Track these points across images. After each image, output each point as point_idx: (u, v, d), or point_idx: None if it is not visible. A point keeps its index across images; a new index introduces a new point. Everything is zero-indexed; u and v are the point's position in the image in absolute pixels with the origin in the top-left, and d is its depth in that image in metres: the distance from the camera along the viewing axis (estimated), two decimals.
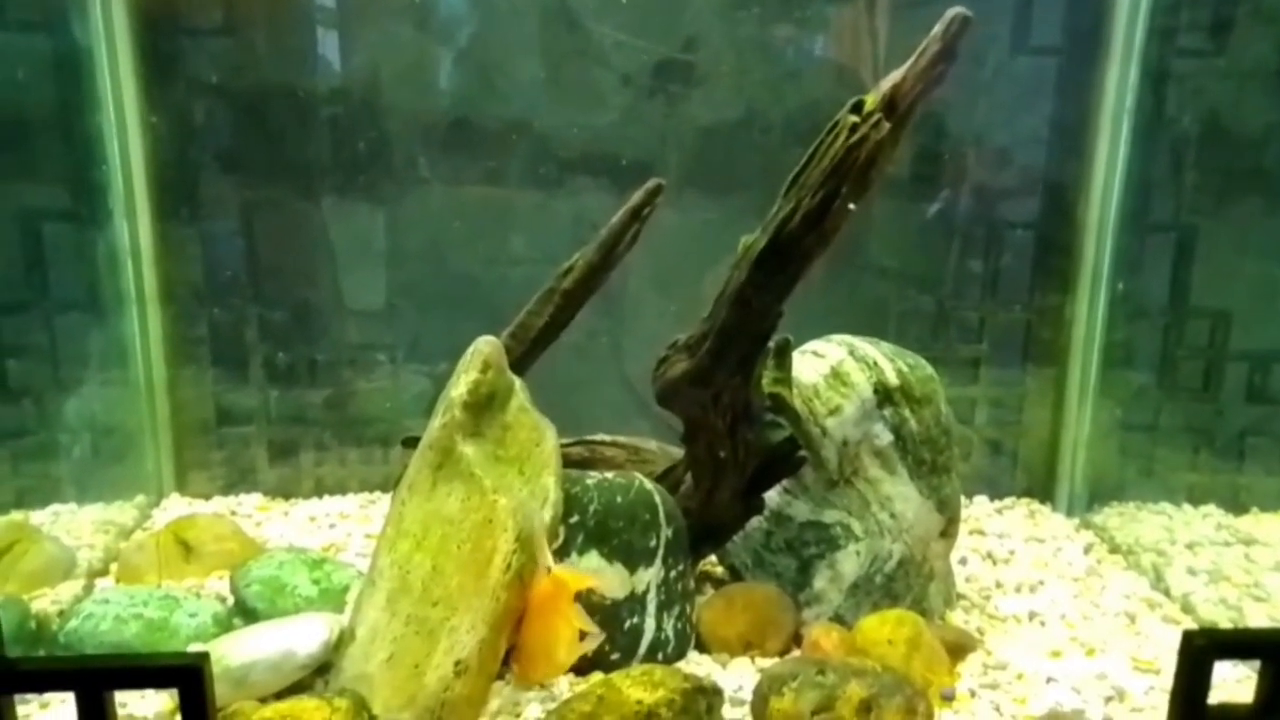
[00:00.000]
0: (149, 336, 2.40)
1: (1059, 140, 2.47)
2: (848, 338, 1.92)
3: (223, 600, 1.85)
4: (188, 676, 0.98)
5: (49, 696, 1.57)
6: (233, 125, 2.39)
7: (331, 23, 2.40)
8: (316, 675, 1.57)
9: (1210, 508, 2.43)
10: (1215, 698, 1.09)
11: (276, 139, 2.39)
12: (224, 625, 1.73)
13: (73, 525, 2.11)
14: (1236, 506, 2.42)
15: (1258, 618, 1.93)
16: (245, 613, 1.79)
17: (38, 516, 2.09)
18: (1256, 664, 1.09)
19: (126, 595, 1.75)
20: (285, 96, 2.36)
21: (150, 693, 1.57)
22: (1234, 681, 1.66)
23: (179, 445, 2.49)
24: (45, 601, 1.85)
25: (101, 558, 2.08)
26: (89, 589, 1.94)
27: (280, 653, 1.54)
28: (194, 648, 1.64)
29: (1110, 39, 2.35)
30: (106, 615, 1.69)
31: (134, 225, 2.33)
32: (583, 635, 1.48)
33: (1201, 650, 1.04)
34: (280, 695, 1.51)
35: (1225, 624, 1.92)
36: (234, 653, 1.54)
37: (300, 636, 1.56)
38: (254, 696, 1.51)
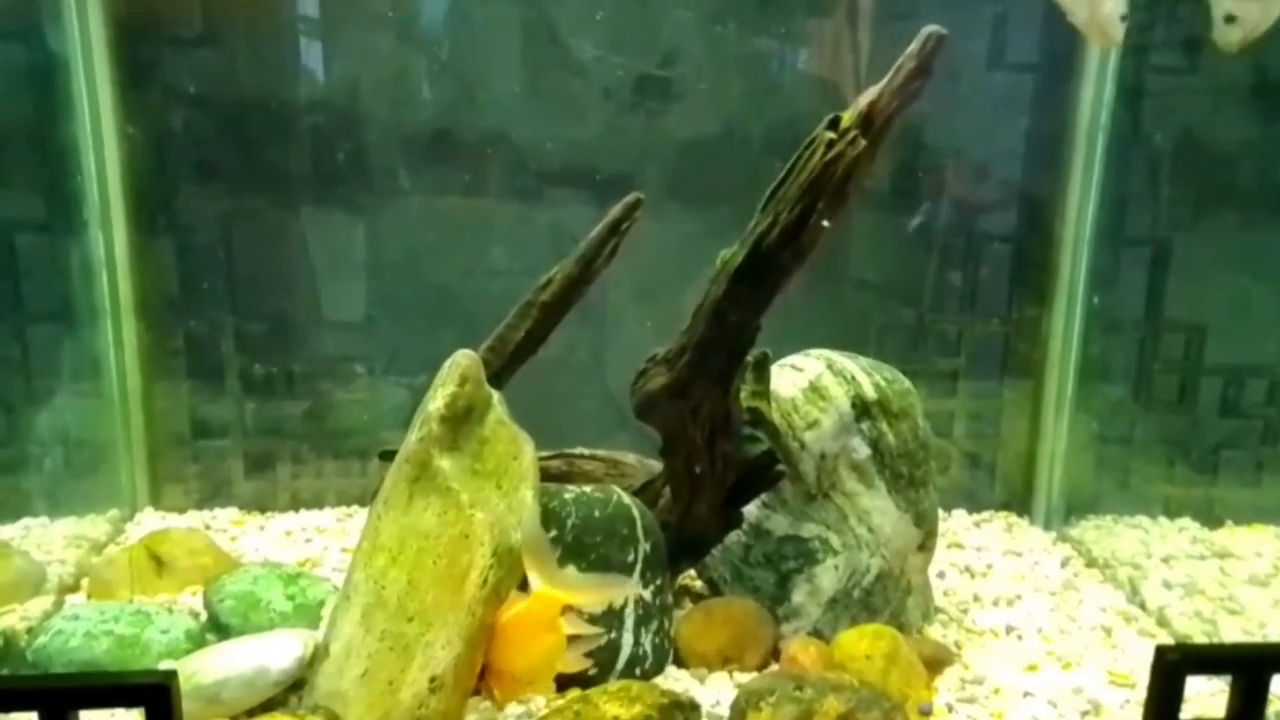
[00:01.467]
0: (123, 348, 2.36)
1: (1035, 156, 2.49)
2: (826, 352, 1.92)
3: (196, 616, 1.82)
4: (154, 695, 0.97)
5: (12, 717, 1.54)
6: (211, 135, 2.36)
7: (312, 33, 2.39)
8: (290, 692, 1.54)
9: (1186, 521, 2.45)
10: (1190, 711, 1.09)
11: (255, 149, 2.37)
12: (197, 641, 1.71)
13: (44, 539, 2.08)
14: (1211, 520, 2.44)
15: (1232, 631, 1.94)
16: (219, 628, 1.76)
17: (7, 530, 2.06)
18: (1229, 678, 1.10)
19: (97, 611, 1.72)
20: (264, 107, 2.34)
21: (120, 711, 1.54)
22: (1208, 695, 1.67)
23: (153, 458, 2.46)
24: (14, 618, 1.82)
25: (73, 573, 2.05)
26: (59, 605, 1.91)
27: (253, 669, 1.52)
28: (166, 664, 1.62)
29: (1085, 56, 2.37)
30: (76, 632, 1.66)
31: (109, 236, 2.30)
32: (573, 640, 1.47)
33: (1174, 665, 1.04)
34: (253, 712, 1.50)
35: (1200, 637, 1.93)
36: (206, 669, 1.52)
37: (274, 652, 1.54)
38: (227, 714, 1.49)
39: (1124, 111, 2.36)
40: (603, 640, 1.58)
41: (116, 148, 2.28)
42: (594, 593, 1.55)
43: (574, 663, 1.49)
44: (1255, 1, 1.46)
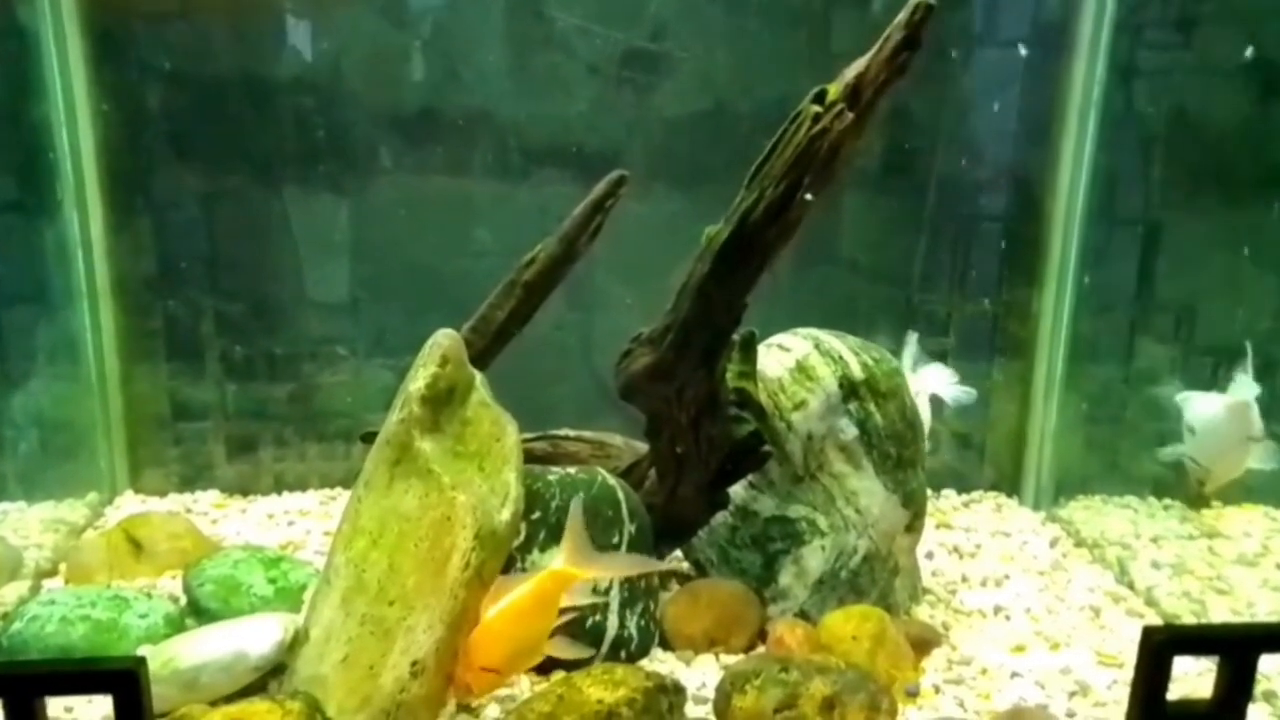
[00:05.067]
0: (101, 330, 2.33)
1: (1026, 134, 2.46)
2: (813, 331, 1.90)
3: (175, 600, 1.80)
4: (122, 681, 0.94)
5: None
6: (188, 113, 2.32)
7: (292, 8, 2.34)
8: (271, 677, 1.52)
9: (1174, 501, 2.44)
10: (1178, 691, 1.08)
11: (234, 127, 2.33)
12: (176, 626, 1.69)
13: (20, 524, 2.05)
14: (1200, 499, 2.43)
15: (1220, 610, 1.94)
16: (198, 613, 1.74)
17: None
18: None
19: (74, 596, 1.70)
20: (243, 84, 2.30)
21: (97, 696, 1.52)
22: (1195, 675, 1.66)
23: (133, 441, 2.43)
24: None
25: (50, 557, 2.02)
26: (36, 590, 1.88)
27: (232, 654, 1.49)
28: (143, 650, 1.60)
29: (1077, 32, 2.34)
30: (52, 617, 1.64)
31: (85, 216, 2.26)
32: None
33: (1160, 646, 1.03)
34: (232, 698, 1.47)
35: (1188, 617, 1.92)
36: (184, 654, 1.50)
37: (253, 637, 1.51)
38: (205, 699, 1.47)
39: (1116, 89, 2.33)
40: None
41: (90, 125, 2.24)
42: (627, 570, 1.55)
43: (564, 649, 1.46)
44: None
